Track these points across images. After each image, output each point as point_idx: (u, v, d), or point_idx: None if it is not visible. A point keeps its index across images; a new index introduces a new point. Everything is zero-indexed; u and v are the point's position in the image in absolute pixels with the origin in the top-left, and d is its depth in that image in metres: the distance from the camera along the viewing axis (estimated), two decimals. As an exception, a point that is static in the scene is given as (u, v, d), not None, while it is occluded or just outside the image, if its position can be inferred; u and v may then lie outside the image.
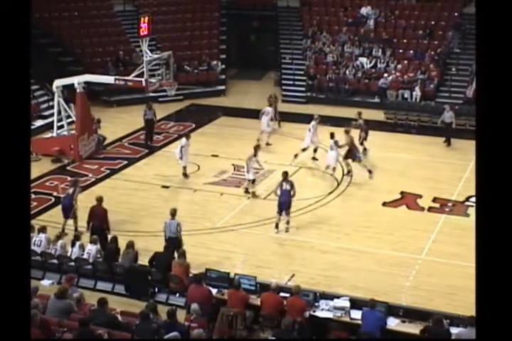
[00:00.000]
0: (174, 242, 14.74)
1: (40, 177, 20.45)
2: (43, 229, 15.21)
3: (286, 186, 16.86)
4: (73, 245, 14.90)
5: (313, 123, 21.52)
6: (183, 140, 20.57)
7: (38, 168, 20.87)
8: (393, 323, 11.63)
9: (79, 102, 22.30)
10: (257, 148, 19.38)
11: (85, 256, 14.53)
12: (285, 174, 17.26)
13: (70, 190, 16.88)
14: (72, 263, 14.61)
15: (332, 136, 20.08)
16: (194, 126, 25.44)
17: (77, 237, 15.09)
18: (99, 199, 16.01)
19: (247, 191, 19.20)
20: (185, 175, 20.43)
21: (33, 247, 14.70)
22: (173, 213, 15.02)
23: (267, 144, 22.61)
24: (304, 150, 21.52)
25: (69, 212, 16.60)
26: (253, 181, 19.26)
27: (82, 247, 14.69)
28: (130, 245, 14.28)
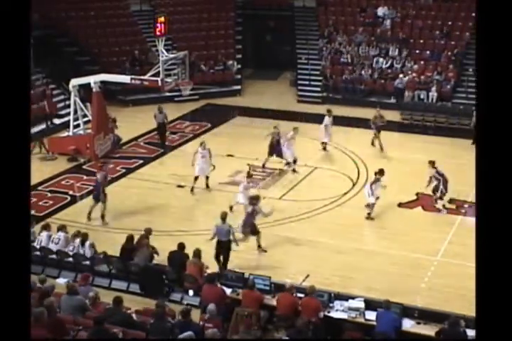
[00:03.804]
0: (225, 245, 14.78)
1: (56, 176, 20.57)
2: (62, 228, 15.26)
3: None
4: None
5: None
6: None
7: (54, 166, 21.00)
8: (408, 324, 11.57)
9: (95, 101, 22.37)
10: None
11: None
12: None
13: None
14: (88, 262, 14.67)
15: None
16: (209, 125, 25.46)
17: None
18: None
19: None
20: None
21: (50, 245, 14.79)
22: (224, 217, 14.84)
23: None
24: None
25: None
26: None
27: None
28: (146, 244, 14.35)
